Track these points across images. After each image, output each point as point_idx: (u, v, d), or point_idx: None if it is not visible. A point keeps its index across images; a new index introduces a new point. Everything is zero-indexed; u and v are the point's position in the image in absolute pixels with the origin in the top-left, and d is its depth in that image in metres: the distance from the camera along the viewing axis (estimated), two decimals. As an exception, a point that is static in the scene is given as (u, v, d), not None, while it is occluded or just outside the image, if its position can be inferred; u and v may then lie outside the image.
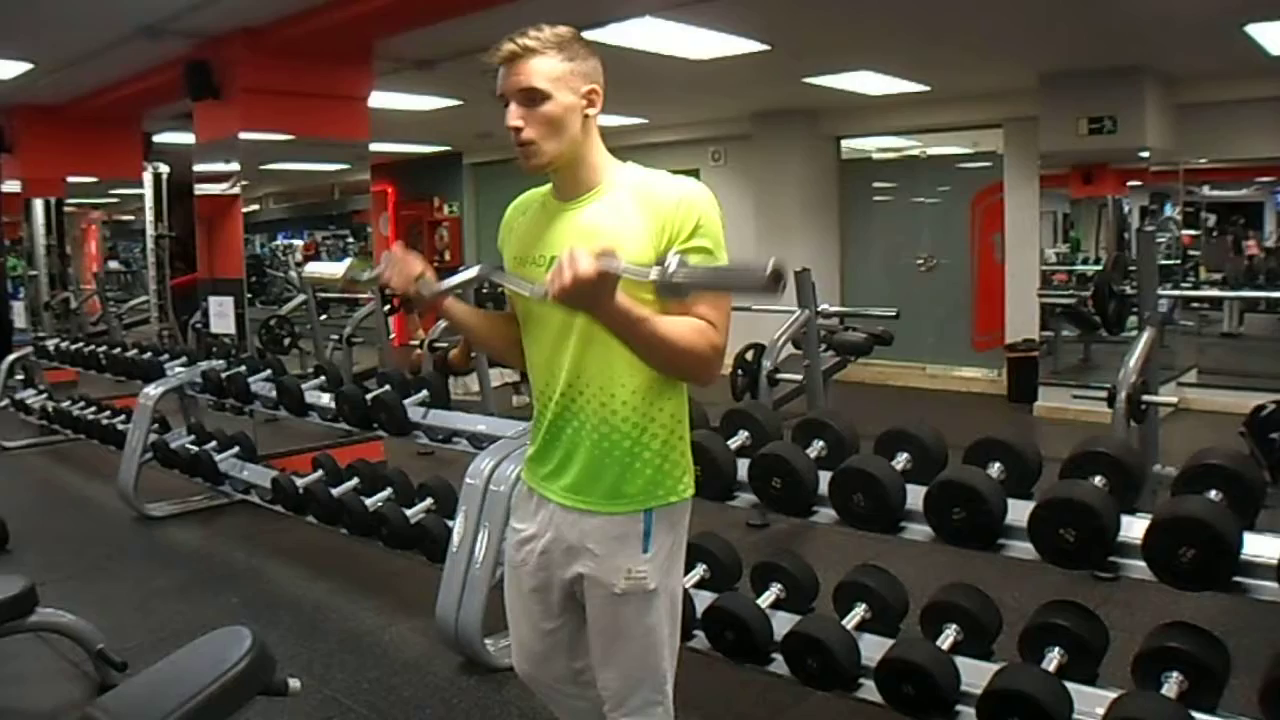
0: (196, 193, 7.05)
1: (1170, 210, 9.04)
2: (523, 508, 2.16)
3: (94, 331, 9.81)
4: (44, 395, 7.70)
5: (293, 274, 12.04)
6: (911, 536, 2.73)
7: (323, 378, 5.17)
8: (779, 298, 1.60)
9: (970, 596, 2.86)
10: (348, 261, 2.38)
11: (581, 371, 1.95)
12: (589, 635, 2.09)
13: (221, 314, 6.81)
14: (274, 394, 5.24)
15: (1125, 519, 2.40)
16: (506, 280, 1.97)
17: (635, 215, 1.90)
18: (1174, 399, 5.32)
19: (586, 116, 1.94)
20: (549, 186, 2.07)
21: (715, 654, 3.14)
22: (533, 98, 1.88)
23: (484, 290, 7.66)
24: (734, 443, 3.09)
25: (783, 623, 3.02)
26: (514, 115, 1.90)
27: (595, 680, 2.12)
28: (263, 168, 7.25)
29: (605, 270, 1.62)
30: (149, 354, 6.60)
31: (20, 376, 8.16)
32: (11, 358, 8.26)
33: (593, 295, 1.66)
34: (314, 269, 2.23)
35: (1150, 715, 2.31)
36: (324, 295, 8.71)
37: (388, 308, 8.52)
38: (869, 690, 2.82)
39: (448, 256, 14.12)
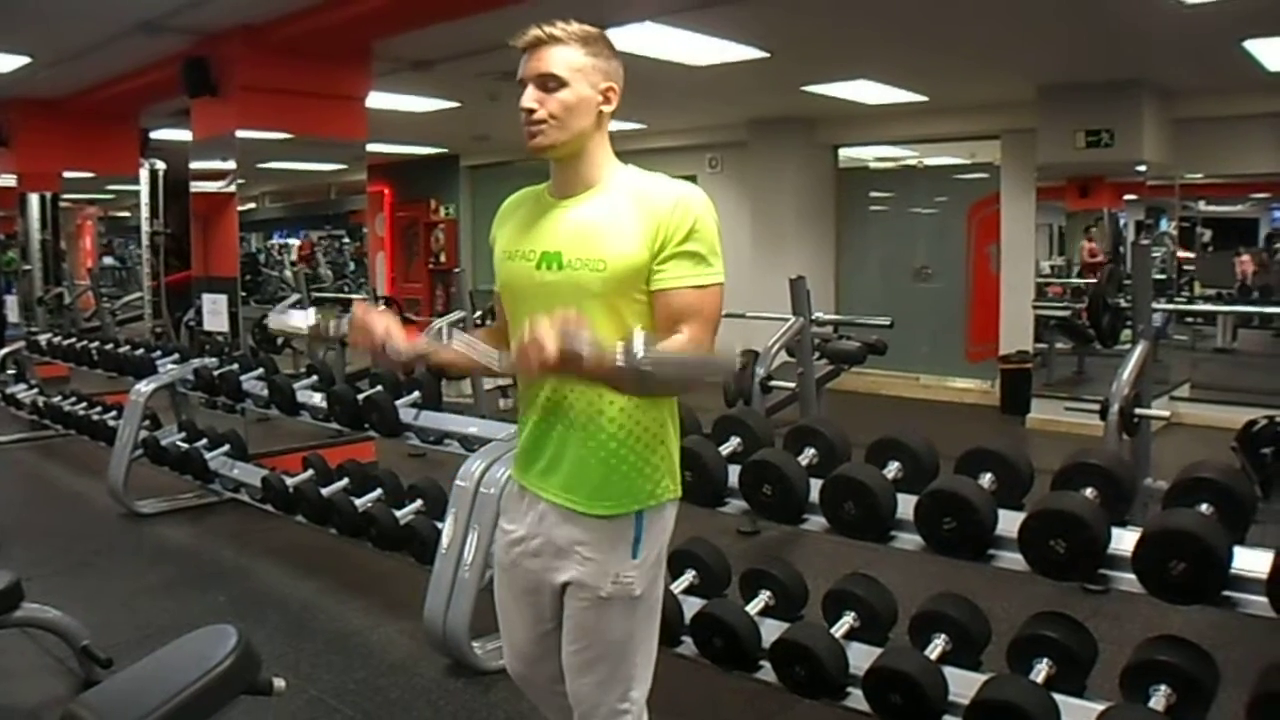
0: (192, 190, 7.04)
1: (1166, 225, 9.06)
2: (513, 508, 2.14)
3: (87, 327, 9.79)
4: (35, 390, 7.68)
5: (287, 273, 12.05)
6: (901, 546, 2.72)
7: (315, 377, 5.16)
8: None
9: (959, 606, 2.86)
10: (314, 314, 2.38)
11: None
12: (564, 640, 2.08)
13: (215, 312, 6.81)
14: (266, 393, 5.23)
15: (1116, 531, 2.39)
16: (471, 348, 1.92)
17: (630, 216, 1.90)
18: (1166, 413, 5.33)
19: (600, 112, 1.96)
20: (546, 184, 2.06)
21: (703, 660, 3.13)
22: (550, 84, 1.89)
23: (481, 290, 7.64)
24: (725, 449, 3.08)
25: (771, 630, 3.01)
26: (530, 98, 1.91)
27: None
28: (259, 166, 7.26)
29: (570, 351, 1.62)
30: (141, 350, 6.58)
31: (12, 371, 8.14)
32: (3, 352, 8.23)
33: (561, 372, 1.68)
34: (280, 319, 2.24)
35: (1138, 728, 2.31)
36: (318, 295, 8.72)
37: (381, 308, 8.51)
38: (856, 699, 2.81)
39: (443, 259, 14.12)
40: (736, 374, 1.62)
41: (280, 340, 7.89)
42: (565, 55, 1.89)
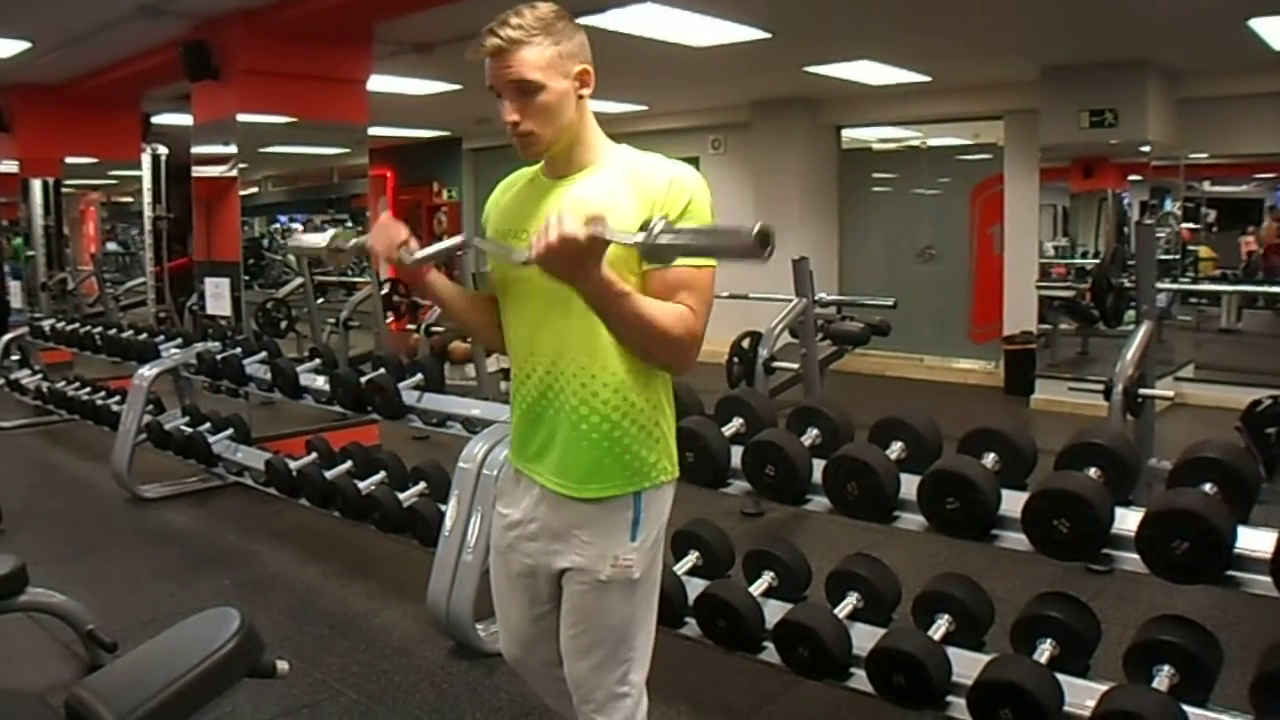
0: (194, 175, 7.02)
1: (1170, 205, 9.03)
2: (510, 491, 2.14)
3: (91, 312, 9.80)
4: (39, 376, 7.69)
5: (290, 258, 12.02)
6: (905, 526, 2.72)
7: (318, 360, 5.16)
8: (765, 263, 1.56)
9: (963, 587, 2.86)
10: (331, 231, 2.45)
11: (564, 352, 1.93)
12: (562, 623, 2.07)
13: (218, 296, 6.80)
14: (269, 376, 5.23)
15: (1119, 511, 2.38)
16: (488, 246, 1.95)
17: (625, 194, 1.88)
18: (1170, 393, 5.30)
19: (580, 97, 1.92)
20: (540, 165, 2.05)
21: (706, 642, 3.13)
22: (526, 89, 1.85)
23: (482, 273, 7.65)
24: (728, 430, 3.07)
25: (774, 611, 3.01)
26: (510, 111, 1.88)
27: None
28: (261, 150, 7.24)
29: (593, 234, 1.60)
30: (144, 335, 6.59)
31: (16, 357, 8.15)
32: (7, 338, 8.24)
33: (578, 259, 1.64)
34: (299, 240, 2.31)
35: (1141, 708, 2.30)
36: (321, 279, 8.71)
37: (385, 291, 8.52)
38: (860, 680, 2.81)
39: (446, 242, 14.10)
40: (753, 249, 1.56)
41: (284, 323, 7.88)
42: (532, 55, 1.84)
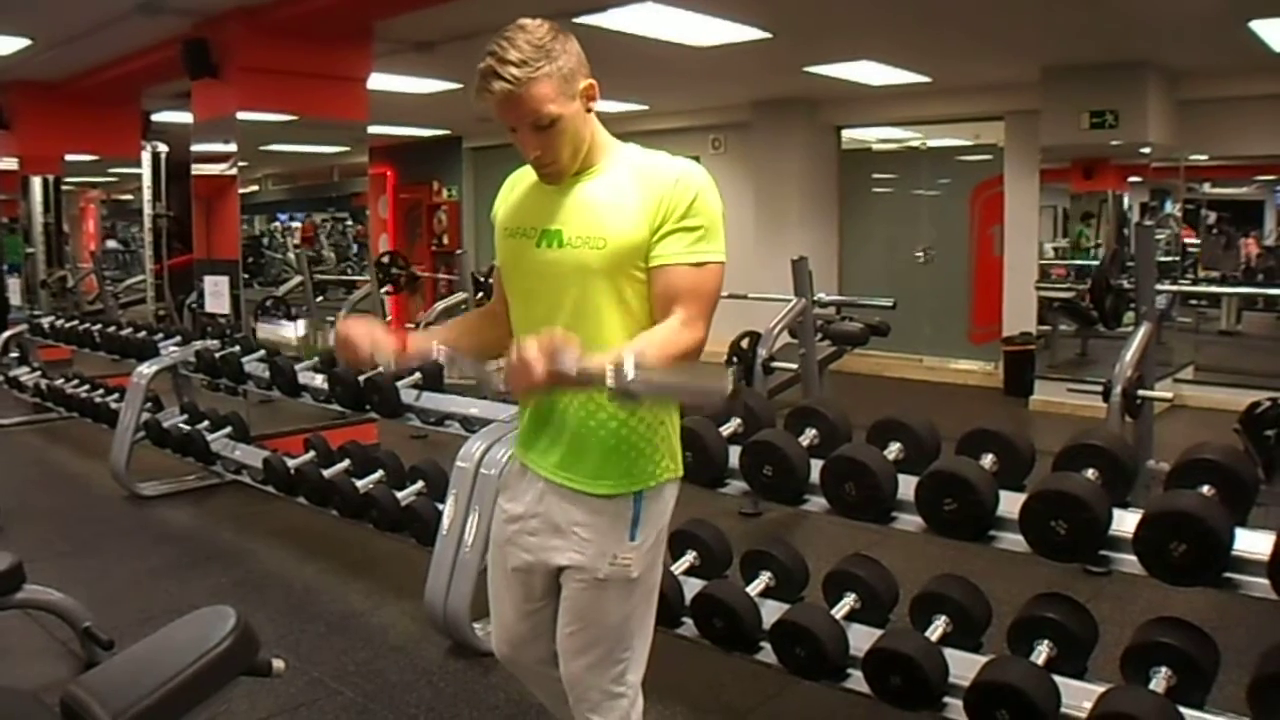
0: (194, 173, 7.02)
1: (1170, 207, 9.03)
2: (514, 485, 2.14)
3: (90, 310, 9.79)
4: (38, 373, 7.68)
5: (290, 255, 12.03)
6: (902, 527, 2.72)
7: (316, 359, 5.15)
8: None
9: (960, 588, 2.86)
10: (303, 330, 2.40)
11: None
12: (559, 621, 2.07)
13: (217, 294, 6.80)
14: (267, 374, 5.23)
15: (1117, 512, 2.38)
16: (464, 366, 1.96)
17: (633, 192, 1.89)
18: (1169, 395, 5.30)
19: (589, 110, 1.93)
20: None
21: (704, 641, 3.13)
22: (542, 124, 1.84)
23: (484, 280, 7.66)
24: (726, 430, 3.07)
25: (772, 611, 3.01)
26: (531, 145, 1.88)
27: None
28: (261, 148, 7.23)
29: (558, 373, 1.65)
30: (143, 333, 6.58)
31: (15, 354, 8.14)
32: (6, 335, 8.24)
33: (545, 387, 1.68)
34: (269, 329, 2.28)
35: (1138, 710, 2.30)
36: (321, 278, 8.71)
37: (384, 290, 8.52)
38: (857, 680, 2.82)
39: (445, 240, 14.09)
40: (727, 400, 1.61)
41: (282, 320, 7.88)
42: (543, 90, 1.81)
